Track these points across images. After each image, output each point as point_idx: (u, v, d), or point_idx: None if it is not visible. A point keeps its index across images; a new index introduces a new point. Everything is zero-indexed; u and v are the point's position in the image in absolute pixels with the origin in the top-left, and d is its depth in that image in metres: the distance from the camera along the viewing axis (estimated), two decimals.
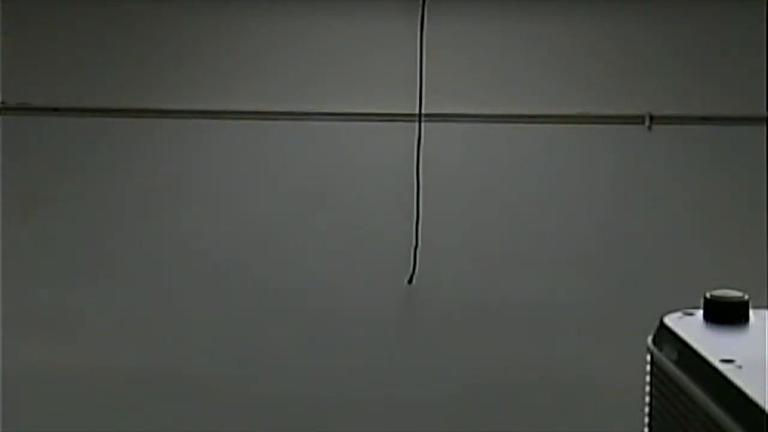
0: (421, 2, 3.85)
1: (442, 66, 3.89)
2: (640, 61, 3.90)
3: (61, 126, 3.94)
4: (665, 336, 1.56)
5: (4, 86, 3.90)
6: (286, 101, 3.94)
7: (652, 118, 3.87)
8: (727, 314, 1.56)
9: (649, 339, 1.61)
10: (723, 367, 1.34)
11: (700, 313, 1.59)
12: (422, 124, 3.89)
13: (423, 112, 3.88)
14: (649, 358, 1.59)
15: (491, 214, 3.96)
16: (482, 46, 3.93)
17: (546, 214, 3.95)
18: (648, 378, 1.60)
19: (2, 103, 3.94)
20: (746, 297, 1.58)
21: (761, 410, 1.20)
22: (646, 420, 1.61)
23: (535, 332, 3.96)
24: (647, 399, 1.60)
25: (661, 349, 1.55)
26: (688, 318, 1.60)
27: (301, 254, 4.00)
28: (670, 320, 1.60)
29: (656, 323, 1.61)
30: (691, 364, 1.42)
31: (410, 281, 3.94)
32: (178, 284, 4.00)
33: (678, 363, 1.47)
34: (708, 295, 1.58)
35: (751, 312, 1.57)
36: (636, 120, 3.88)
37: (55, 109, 3.94)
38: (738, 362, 1.35)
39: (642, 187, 3.93)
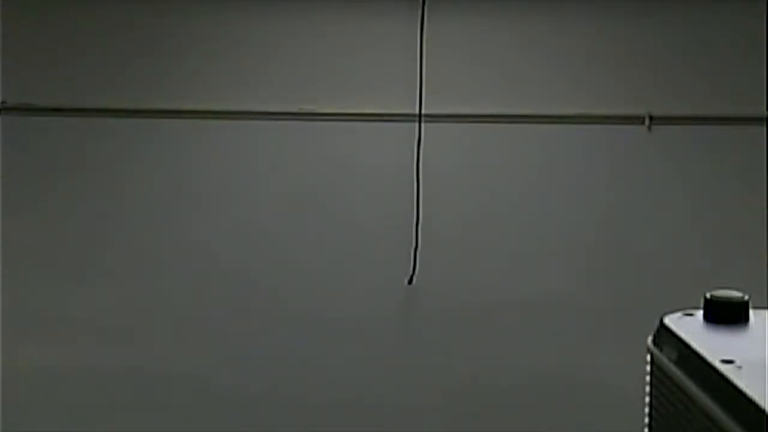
0: (421, 2, 3.85)
1: (442, 66, 3.89)
2: (640, 61, 3.90)
3: (61, 126, 3.94)
4: (665, 336, 1.55)
5: (4, 86, 3.90)
6: (286, 101, 3.94)
7: (652, 118, 3.87)
8: (727, 314, 1.56)
9: (649, 339, 1.60)
10: (723, 368, 1.34)
11: (700, 313, 1.59)
12: (422, 124, 3.89)
13: (423, 112, 3.88)
14: (649, 358, 1.59)
15: (491, 214, 3.96)
16: (482, 46, 3.94)
17: (546, 214, 3.95)
18: (648, 378, 1.59)
19: (2, 103, 3.94)
20: (746, 297, 1.58)
21: (761, 410, 1.20)
22: (646, 420, 1.60)
23: (535, 332, 3.96)
24: (647, 399, 1.60)
25: (661, 350, 1.55)
26: (688, 318, 1.60)
27: (300, 254, 4.00)
28: (670, 320, 1.60)
29: (656, 323, 1.61)
30: (691, 365, 1.42)
31: (410, 281, 3.94)
32: (177, 285, 4.00)
33: (678, 363, 1.47)
34: (708, 295, 1.58)
35: (751, 312, 1.57)
36: (636, 120, 3.88)
37: (55, 109, 3.94)
38: (738, 362, 1.35)
39: (642, 187, 3.93)
